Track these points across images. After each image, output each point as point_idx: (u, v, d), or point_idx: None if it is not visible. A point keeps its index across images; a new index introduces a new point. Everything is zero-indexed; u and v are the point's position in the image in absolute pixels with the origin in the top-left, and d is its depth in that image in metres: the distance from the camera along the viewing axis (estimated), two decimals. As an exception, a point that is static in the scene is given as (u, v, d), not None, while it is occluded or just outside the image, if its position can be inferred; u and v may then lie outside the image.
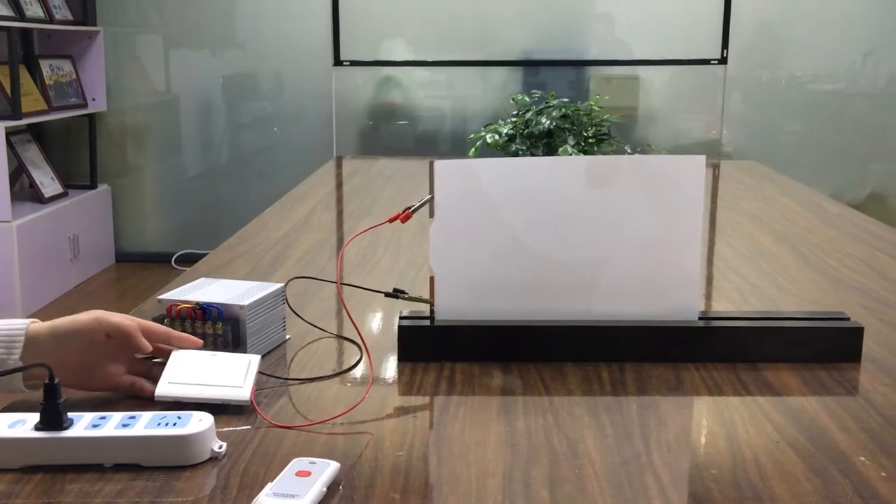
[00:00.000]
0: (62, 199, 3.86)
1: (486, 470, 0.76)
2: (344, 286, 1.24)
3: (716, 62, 4.08)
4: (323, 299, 1.24)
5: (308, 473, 0.72)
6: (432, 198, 0.99)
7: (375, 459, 0.78)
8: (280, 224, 1.74)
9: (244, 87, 4.36)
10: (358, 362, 1.00)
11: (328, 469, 0.73)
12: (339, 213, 1.86)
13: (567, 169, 0.99)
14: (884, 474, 0.74)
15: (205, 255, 4.24)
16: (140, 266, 4.26)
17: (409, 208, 0.99)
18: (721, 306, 1.22)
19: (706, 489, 0.72)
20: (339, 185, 2.21)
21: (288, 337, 1.08)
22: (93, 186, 4.13)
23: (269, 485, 0.70)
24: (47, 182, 3.84)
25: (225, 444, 0.79)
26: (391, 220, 1.00)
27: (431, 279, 1.02)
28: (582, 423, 0.85)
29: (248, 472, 0.75)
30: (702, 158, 0.98)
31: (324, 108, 4.28)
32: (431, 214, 1.00)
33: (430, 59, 4.22)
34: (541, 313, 1.01)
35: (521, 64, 4.19)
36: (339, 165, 2.59)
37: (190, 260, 4.23)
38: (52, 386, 0.76)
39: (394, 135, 4.34)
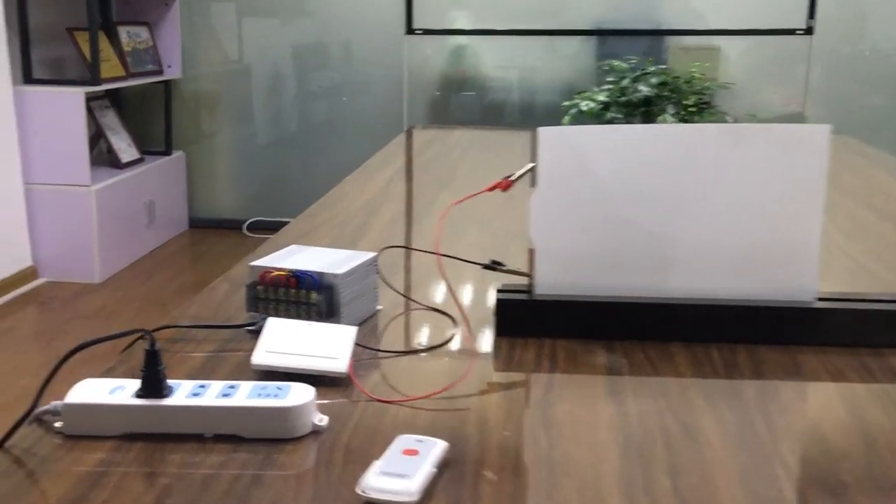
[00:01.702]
0: (139, 164, 3.90)
1: (600, 454, 0.71)
2: (434, 256, 1.20)
3: (801, 32, 3.92)
4: (411, 269, 1.20)
5: (415, 452, 0.68)
6: (535, 166, 0.94)
7: (481, 439, 0.74)
8: (359, 193, 1.71)
9: (314, 57, 4.34)
10: (452, 336, 0.97)
11: (436, 448, 0.69)
12: (419, 183, 1.82)
13: (676, 137, 0.93)
14: None
15: (275, 223, 4.26)
16: (212, 232, 4.30)
17: (510, 177, 0.94)
18: (831, 287, 1.15)
19: (841, 483, 0.67)
20: (415, 156, 2.17)
21: (379, 307, 1.05)
22: (168, 153, 4.17)
23: (376, 463, 0.67)
24: (124, 147, 3.88)
25: (326, 418, 0.76)
26: (491, 189, 0.95)
27: (531, 251, 0.97)
28: (697, 408, 0.79)
29: (351, 448, 0.72)
30: (826, 128, 0.91)
31: (392, 78, 4.24)
32: (533, 184, 0.95)
33: (501, 29, 4.14)
34: (646, 289, 0.96)
35: (594, 33, 4.09)
36: (409, 136, 2.54)
37: (261, 227, 4.26)
38: (152, 353, 0.74)
39: (464, 105, 4.28)
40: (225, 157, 4.43)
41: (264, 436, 0.73)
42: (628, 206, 0.94)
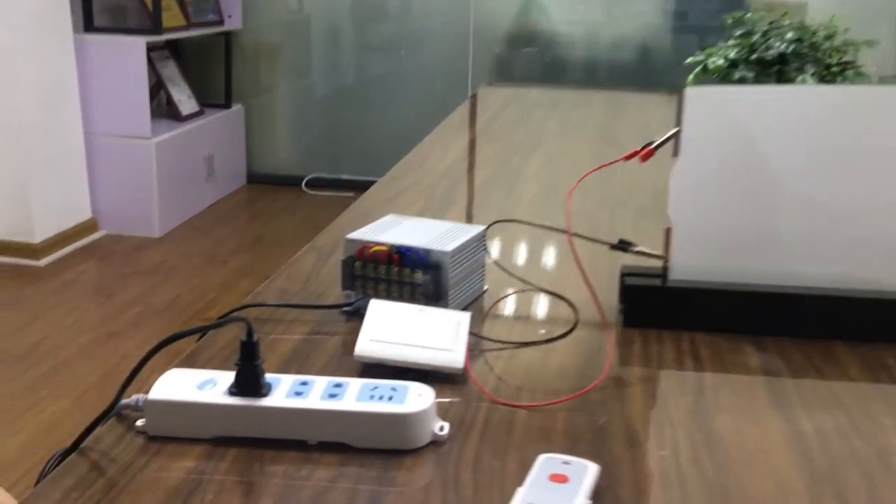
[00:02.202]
0: (198, 117, 3.82)
1: (784, 486, 0.59)
2: (539, 230, 1.07)
3: (896, -10, 3.66)
4: (514, 245, 1.08)
5: (565, 479, 0.56)
6: (679, 132, 0.81)
7: (634, 459, 0.62)
8: (442, 155, 1.58)
9: (374, 9, 4.19)
10: (575, 325, 0.84)
11: (587, 473, 0.57)
12: (505, 144, 1.68)
13: (850, 99, 0.79)
14: None
15: (335, 180, 4.14)
16: (271, 188, 4.21)
17: (650, 144, 0.81)
18: None
19: None
20: (495, 116, 2.03)
21: (486, 288, 0.93)
22: (227, 106, 4.08)
23: (521, 491, 0.55)
24: (184, 100, 3.80)
25: (447, 426, 0.65)
26: (627, 158, 0.82)
27: (667, 230, 0.84)
28: (885, 427, 0.66)
29: (480, 466, 0.61)
30: None
31: (454, 32, 4.07)
32: (676, 152, 0.82)
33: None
34: (803, 278, 0.82)
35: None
36: (473, 101, 2.40)
37: (320, 184, 4.16)
38: (249, 344, 0.63)
39: (528, 62, 4.11)
40: (283, 111, 4.33)
41: (377, 446, 0.62)
42: (784, 179, 0.81)
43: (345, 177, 4.16)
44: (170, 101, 3.74)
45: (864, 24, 3.78)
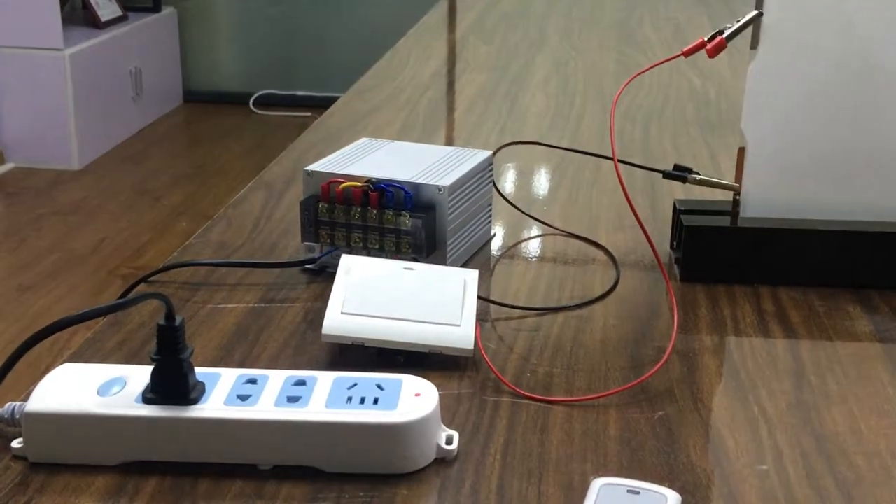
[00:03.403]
0: (121, 23, 3.63)
1: (940, 514, 0.47)
2: (558, 153, 0.94)
3: None
4: (524, 173, 0.95)
5: (636, 516, 0.44)
6: (760, 15, 0.67)
7: (725, 477, 0.50)
8: (423, 59, 1.44)
9: None
10: (618, 280, 0.72)
11: (667, 507, 0.45)
12: (498, 45, 1.54)
13: None
14: None
15: (289, 96, 4.00)
16: (212, 108, 4.04)
17: (721, 32, 0.67)
18: None
19: None
20: (484, 10, 1.88)
21: (494, 234, 0.80)
22: (156, 9, 3.89)
23: (574, 541, 0.43)
24: (103, 3, 3.60)
25: (456, 437, 0.52)
26: (689, 53, 0.68)
27: (740, 151, 0.72)
28: None
29: (507, 496, 0.49)
30: None
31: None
32: (755, 44, 0.69)
33: None
34: (923, 213, 0.70)
35: None
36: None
37: (271, 103, 3.99)
38: (170, 329, 0.49)
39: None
40: (225, 16, 4.13)
41: (360, 470, 0.50)
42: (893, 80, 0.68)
43: (300, 93, 3.99)
44: (85, 5, 3.55)
45: None
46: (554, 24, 1.71)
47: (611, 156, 0.71)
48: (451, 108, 1.21)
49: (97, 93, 3.41)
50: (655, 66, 0.73)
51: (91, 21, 3.53)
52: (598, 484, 0.47)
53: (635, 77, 0.70)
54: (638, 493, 0.46)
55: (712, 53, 0.67)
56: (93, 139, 3.40)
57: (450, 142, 1.06)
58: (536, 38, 1.59)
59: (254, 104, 4.03)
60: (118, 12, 3.66)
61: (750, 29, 0.69)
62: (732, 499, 0.48)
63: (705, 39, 0.68)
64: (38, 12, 3.19)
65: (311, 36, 4.05)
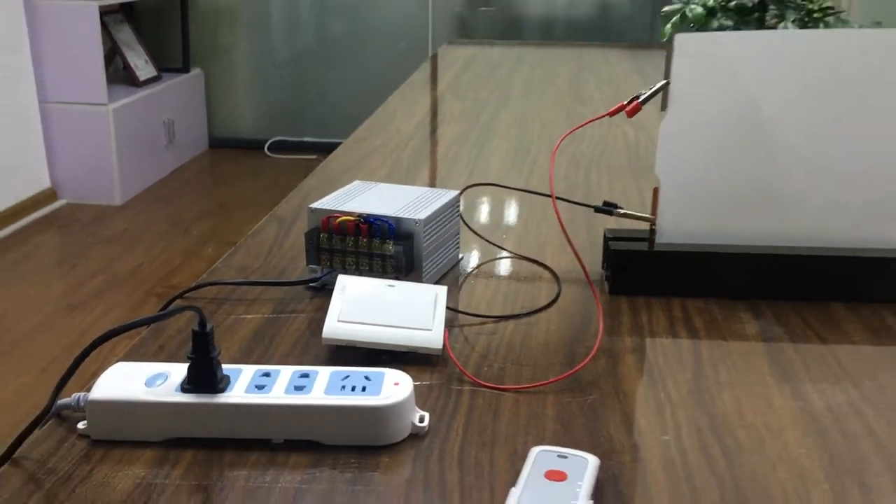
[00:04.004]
0: (156, 82, 3.66)
1: (801, 473, 0.52)
2: (513, 192, 0.99)
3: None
4: (481, 207, 1.00)
5: (563, 476, 0.49)
6: (668, 84, 0.73)
7: (635, 446, 0.54)
8: (409, 114, 1.49)
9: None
10: (558, 295, 0.77)
11: (587, 469, 0.50)
12: (472, 103, 1.59)
13: (855, 43, 0.71)
14: None
15: (298, 143, 4.02)
16: (233, 152, 4.07)
17: (638, 98, 0.72)
18: None
19: None
20: (459, 74, 1.93)
21: (461, 257, 0.85)
22: (186, 70, 3.92)
23: (514, 493, 0.48)
24: (141, 65, 3.63)
25: (427, 417, 0.57)
26: (613, 114, 0.73)
27: (655, 190, 0.76)
28: (899, 399, 0.60)
29: (466, 462, 0.53)
30: None
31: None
32: (664, 106, 0.74)
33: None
34: (800, 237, 0.75)
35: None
36: (433, 61, 2.30)
37: (283, 147, 4.02)
38: (202, 335, 0.54)
39: (487, 19, 3.99)
40: (244, 74, 4.16)
41: (351, 442, 0.54)
42: (783, 133, 0.73)
43: (307, 139, 4.03)
44: (126, 67, 3.57)
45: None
46: (517, 84, 1.77)
47: (555, 195, 0.75)
48: (431, 154, 1.25)
49: (136, 140, 3.44)
50: (585, 124, 0.78)
51: (131, 80, 3.56)
52: (535, 451, 0.52)
53: (570, 133, 0.75)
54: (566, 457, 0.51)
55: (630, 114, 0.72)
56: (132, 179, 3.43)
57: (430, 183, 1.10)
58: (502, 95, 1.64)
59: (268, 149, 4.06)
60: (154, 72, 3.69)
61: (661, 94, 0.74)
62: (640, 461, 0.53)
63: (625, 103, 0.73)
64: (86, 73, 3.23)
65: (317, 91, 4.09)
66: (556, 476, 0.49)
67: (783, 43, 0.71)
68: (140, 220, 3.21)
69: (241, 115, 4.21)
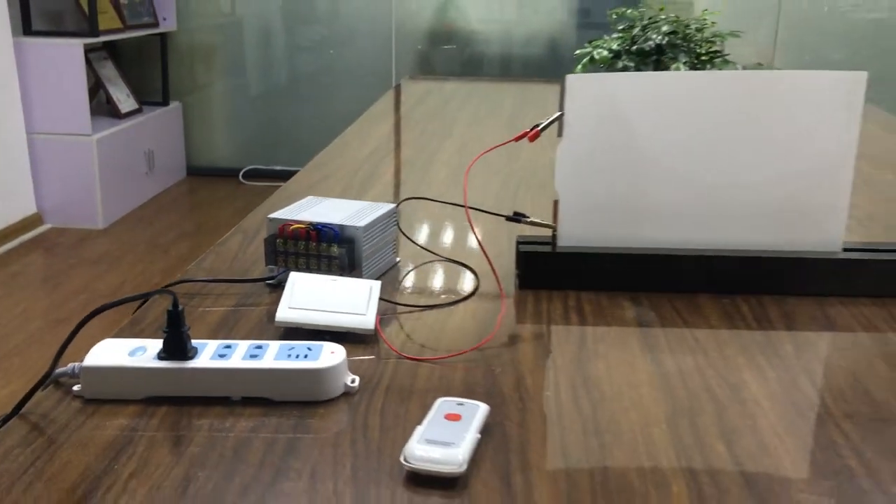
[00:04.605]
0: (137, 114, 3.74)
1: (647, 416, 0.63)
2: (449, 206, 1.10)
3: (772, -13, 3.79)
4: (420, 219, 1.11)
5: (458, 417, 0.60)
6: (562, 115, 0.85)
7: (522, 399, 0.66)
8: (363, 143, 1.60)
9: (302, 11, 4.16)
10: (476, 289, 0.88)
11: (479, 412, 0.61)
12: (421, 133, 1.71)
13: (710, 84, 0.84)
14: None
15: (270, 171, 4.11)
16: (209, 180, 4.16)
17: (538, 126, 0.84)
18: (846, 238, 1.07)
19: (901, 446, 0.59)
20: (414, 107, 2.05)
21: (398, 260, 0.96)
22: (165, 103, 4.01)
23: (419, 429, 0.58)
24: (123, 98, 3.71)
25: (357, 379, 0.67)
26: (517, 139, 0.85)
27: (555, 203, 0.88)
28: (737, 364, 0.72)
29: (386, 411, 0.64)
30: (863, 75, 0.82)
31: (378, 31, 4.08)
32: (560, 133, 0.86)
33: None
34: (672, 241, 0.87)
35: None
36: (397, 93, 2.42)
37: (256, 175, 4.12)
38: (175, 313, 0.64)
39: (448, 58, 4.13)
40: (220, 108, 4.26)
41: (295, 398, 0.65)
42: (656, 155, 0.85)
43: (279, 167, 4.13)
44: (109, 100, 3.66)
45: (748, 16, 3.92)
46: (463, 116, 1.89)
47: (470, 206, 0.87)
48: (380, 177, 1.36)
49: (118, 169, 3.51)
50: (494, 148, 0.89)
51: (113, 112, 3.64)
52: (439, 401, 0.62)
53: (482, 155, 0.87)
54: (463, 404, 0.62)
55: (532, 139, 0.84)
56: (114, 205, 3.50)
57: (375, 200, 1.21)
58: (448, 127, 1.76)
59: (242, 177, 4.15)
60: (135, 105, 3.77)
61: (558, 123, 0.86)
62: (524, 409, 0.64)
63: (528, 130, 0.85)
64: (71, 106, 3.30)
65: (289, 122, 4.20)
66: (453, 417, 0.60)
67: (656, 82, 0.84)
68: (121, 242, 3.28)
69: (218, 146, 4.30)
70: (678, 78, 0.83)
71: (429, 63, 4.15)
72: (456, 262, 0.96)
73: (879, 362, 0.72)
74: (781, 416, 0.63)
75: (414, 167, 1.41)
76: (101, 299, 2.73)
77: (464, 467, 0.55)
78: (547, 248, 0.89)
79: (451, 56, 4.14)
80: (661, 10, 1.25)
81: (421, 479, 0.55)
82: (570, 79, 0.83)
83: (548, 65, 4.09)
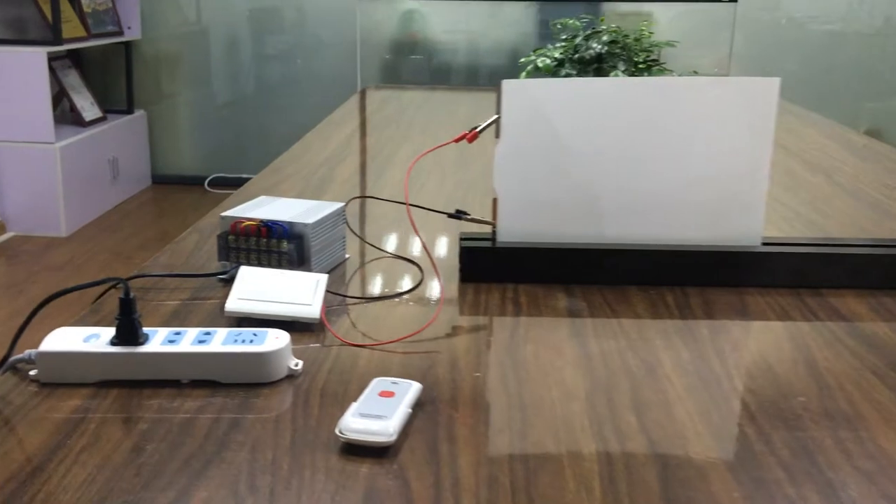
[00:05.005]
0: (101, 122, 3.75)
1: (568, 393, 0.69)
2: (395, 204, 1.15)
3: (727, 0, 3.91)
4: (375, 219, 1.16)
5: (391, 394, 0.65)
6: (499, 118, 0.90)
7: (454, 380, 0.71)
8: (322, 148, 1.64)
9: (269, 21, 4.20)
10: (420, 282, 0.93)
11: (411, 389, 0.66)
12: (378, 138, 1.76)
13: (635, 89, 0.90)
14: (974, 404, 0.67)
15: (235, 178, 4.15)
16: (175, 188, 4.17)
17: (476, 128, 0.90)
18: (771, 233, 1.14)
19: (796, 417, 0.65)
20: (373, 113, 2.10)
21: (347, 256, 1.01)
22: (130, 111, 4.02)
23: (354, 405, 0.63)
24: (87, 106, 3.72)
25: (301, 362, 0.72)
26: (457, 140, 0.91)
27: (494, 201, 0.93)
28: (656, 347, 0.77)
29: (326, 391, 0.68)
30: (776, 81, 0.88)
31: (345, 41, 4.13)
32: (497, 135, 0.91)
33: (450, -6, 4.05)
34: (603, 237, 0.93)
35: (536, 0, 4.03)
36: (362, 97, 2.47)
37: (222, 183, 4.14)
38: (127, 300, 0.69)
39: (414, 67, 4.19)
40: (185, 116, 4.29)
41: (240, 380, 0.69)
42: (586, 156, 0.91)
43: (245, 175, 4.16)
44: (73, 108, 3.66)
45: (707, 31, 4.03)
46: (418, 122, 1.94)
47: (414, 204, 0.91)
48: (335, 179, 1.41)
49: (82, 177, 3.52)
50: (435, 149, 0.95)
51: (77, 121, 3.65)
52: (375, 380, 0.67)
53: (422, 156, 0.92)
54: (397, 383, 0.67)
55: (470, 140, 0.89)
56: (78, 213, 3.50)
57: (332, 200, 1.25)
58: (404, 132, 1.82)
59: (208, 185, 4.17)
60: (99, 114, 3.78)
61: (495, 126, 0.91)
62: (456, 388, 0.69)
63: (467, 132, 0.90)
64: (35, 114, 3.31)
65: (253, 130, 4.23)
66: (387, 394, 0.65)
67: (583, 87, 0.90)
68: (84, 250, 3.29)
69: (183, 154, 4.32)
70: (604, 83, 0.89)
71: (396, 73, 4.20)
72: (402, 258, 1.00)
73: (786, 345, 0.78)
74: (690, 391, 0.69)
75: (369, 170, 1.45)
76: (63, 305, 2.73)
77: (394, 437, 0.60)
78: (487, 244, 0.94)
79: (419, 66, 4.20)
80: (602, 20, 1.31)
81: (354, 449, 0.60)
82: (505, 84, 0.89)
83: (514, 74, 4.16)
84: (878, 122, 4.23)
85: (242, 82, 4.26)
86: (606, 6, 4.01)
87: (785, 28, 4.13)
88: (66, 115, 3.75)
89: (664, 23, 4.00)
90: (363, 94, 2.47)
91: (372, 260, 1.01)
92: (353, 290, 0.91)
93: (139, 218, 3.77)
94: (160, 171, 4.26)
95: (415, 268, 0.98)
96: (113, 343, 0.69)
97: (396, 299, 0.88)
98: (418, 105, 2.23)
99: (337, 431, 0.60)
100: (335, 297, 0.88)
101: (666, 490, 0.55)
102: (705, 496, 0.55)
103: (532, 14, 4.10)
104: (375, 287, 0.92)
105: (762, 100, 0.88)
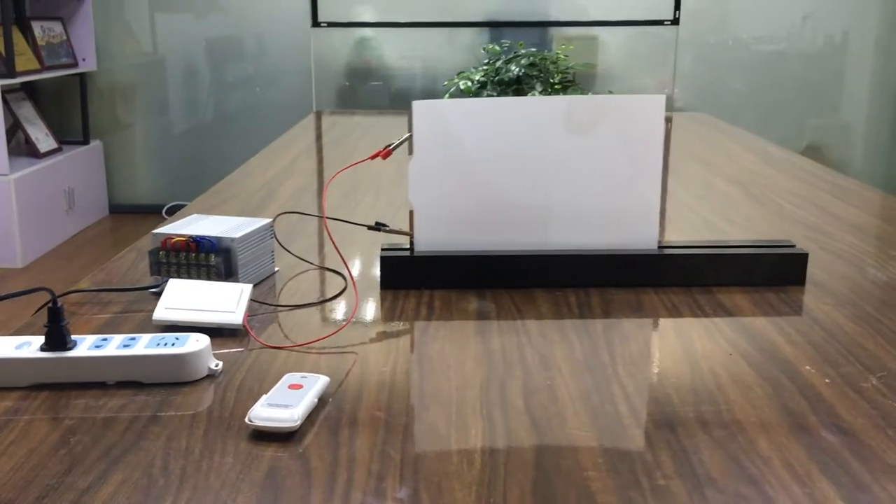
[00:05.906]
0: (57, 154, 3.78)
1: (465, 383, 0.75)
2: (330, 221, 1.22)
3: (668, 23, 4.05)
4: (308, 235, 1.22)
5: (300, 386, 0.71)
6: (411, 136, 0.97)
7: (362, 375, 0.77)
8: (265, 171, 1.71)
9: (227, 50, 4.27)
10: (343, 290, 0.99)
11: (319, 382, 0.72)
12: (321, 160, 1.83)
13: (534, 108, 0.98)
14: (827, 381, 0.75)
15: (194, 204, 3.99)
16: (132, 217, 4.19)
17: (390, 146, 0.97)
18: (677, 238, 1.22)
19: (666, 395, 0.73)
20: (320, 136, 2.17)
21: (277, 269, 1.07)
22: (86, 142, 4.05)
23: (264, 396, 0.69)
24: (42, 138, 3.74)
25: (221, 363, 0.78)
26: (373, 157, 0.98)
27: (411, 213, 1.01)
28: (552, 341, 0.85)
29: (243, 388, 0.74)
30: (662, 97, 0.97)
31: (303, 68, 4.21)
32: (411, 152, 0.98)
33: (402, 21, 4.14)
34: (512, 244, 1.00)
35: (487, 25, 4.14)
36: (318, 119, 2.55)
37: (179, 211, 4.18)
38: (55, 310, 0.74)
39: (369, 93, 4.28)
40: (143, 146, 4.32)
41: (162, 380, 0.75)
42: (493, 170, 0.99)
43: (202, 203, 4.20)
44: (28, 140, 3.69)
45: (651, 53, 4.17)
46: (361, 146, 2.02)
47: (333, 217, 0.98)
48: (273, 201, 1.47)
49: (37, 208, 3.54)
50: (351, 166, 1.02)
51: (32, 152, 3.67)
52: (287, 375, 0.73)
53: (341, 171, 0.98)
54: (306, 377, 0.73)
55: (384, 157, 0.97)
56: (34, 243, 3.51)
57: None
58: (346, 155, 1.89)
59: (165, 212, 4.20)
60: (54, 145, 3.81)
61: (408, 143, 0.99)
62: (363, 381, 0.75)
63: (381, 150, 0.97)
64: (-13, 146, 3.32)
65: (212, 158, 4.28)
66: (295, 387, 0.71)
67: (488, 106, 0.97)
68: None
69: (141, 183, 4.35)
70: (508, 102, 0.97)
71: (354, 98, 4.28)
72: (328, 269, 1.07)
73: (671, 337, 0.86)
74: (576, 377, 0.76)
75: (308, 190, 1.52)
76: (3, 320, 2.74)
77: (298, 423, 0.66)
78: (407, 254, 1.01)
79: (376, 91, 4.28)
80: (521, 45, 1.40)
81: (262, 435, 0.66)
82: (415, 104, 0.96)
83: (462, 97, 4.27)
84: (819, 139, 4.39)
85: (200, 111, 4.31)
86: (555, 31, 4.13)
87: (731, 48, 4.29)
88: (20, 147, 3.77)
89: (613, 46, 4.13)
90: (318, 115, 2.54)
91: (300, 272, 1.07)
92: (280, 299, 0.97)
93: (96, 247, 3.79)
94: (117, 201, 4.28)
95: (339, 278, 1.04)
96: (42, 349, 0.74)
97: (318, 306, 0.95)
98: (365, 128, 2.30)
99: (247, 420, 0.66)
100: (261, 306, 0.94)
101: (538, 459, 0.62)
102: (571, 462, 0.62)
103: (485, 40, 4.21)
104: (301, 296, 0.98)
105: (651, 115, 0.97)
